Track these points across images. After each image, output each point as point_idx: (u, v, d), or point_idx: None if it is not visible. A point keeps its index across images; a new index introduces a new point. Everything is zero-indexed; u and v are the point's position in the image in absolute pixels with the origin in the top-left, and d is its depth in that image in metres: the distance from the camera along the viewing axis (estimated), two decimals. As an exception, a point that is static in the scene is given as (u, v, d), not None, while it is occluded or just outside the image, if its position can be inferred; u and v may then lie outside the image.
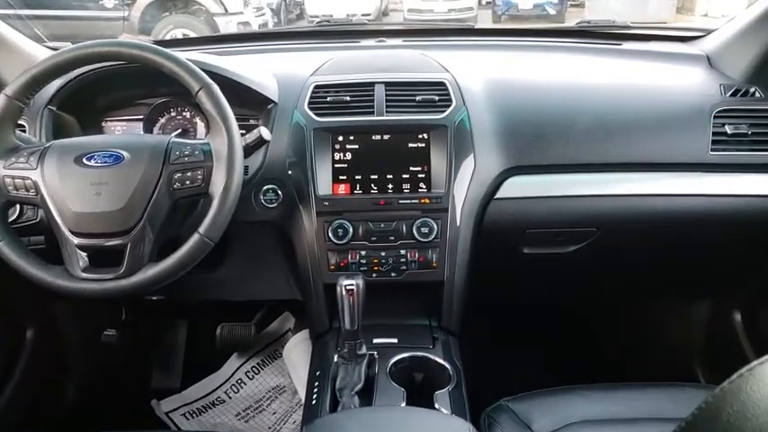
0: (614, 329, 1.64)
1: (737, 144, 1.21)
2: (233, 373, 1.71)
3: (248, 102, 1.16)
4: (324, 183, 1.14)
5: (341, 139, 1.15)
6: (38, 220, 1.09)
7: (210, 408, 1.65)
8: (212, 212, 0.94)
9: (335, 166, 1.15)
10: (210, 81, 0.97)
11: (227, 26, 6.59)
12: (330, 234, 1.13)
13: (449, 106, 1.17)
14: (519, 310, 1.58)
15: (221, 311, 1.68)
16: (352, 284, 0.96)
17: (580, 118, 1.22)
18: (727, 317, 1.50)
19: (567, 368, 1.24)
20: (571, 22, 2.00)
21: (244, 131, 1.04)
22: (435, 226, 1.13)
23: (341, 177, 1.15)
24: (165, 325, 1.82)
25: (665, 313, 1.66)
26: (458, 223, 1.14)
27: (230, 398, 1.68)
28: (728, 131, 1.21)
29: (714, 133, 1.21)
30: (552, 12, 10.20)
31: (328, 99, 1.18)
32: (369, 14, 9.77)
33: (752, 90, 1.27)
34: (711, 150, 1.20)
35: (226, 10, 6.81)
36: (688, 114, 1.23)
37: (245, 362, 1.73)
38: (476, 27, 1.73)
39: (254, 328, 1.66)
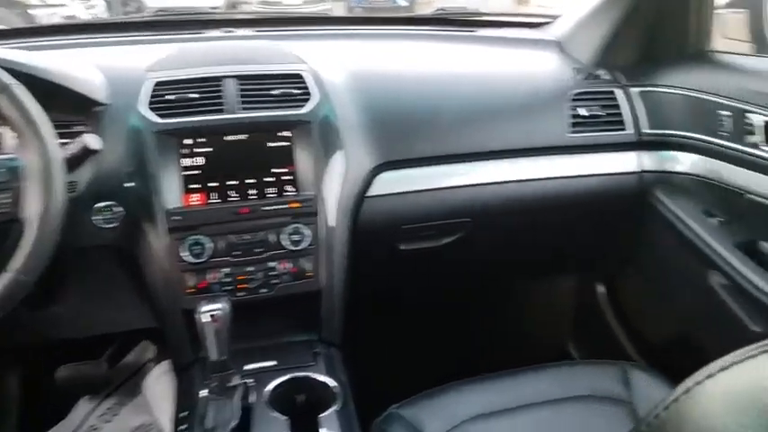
0: (492, 318, 1.67)
1: (593, 125, 1.25)
2: (83, 420, 1.48)
3: (70, 105, 0.97)
4: (172, 194, 0.99)
5: (189, 142, 1.01)
6: None
7: (59, 465, 1.41)
8: (27, 243, 0.76)
9: (185, 173, 1.00)
10: (12, 81, 0.79)
11: (49, 20, 5.80)
12: (185, 253, 0.98)
13: (310, 100, 1.07)
14: (401, 310, 1.54)
15: (63, 350, 1.44)
16: (215, 310, 0.84)
17: (445, 108, 1.20)
18: (591, 290, 1.57)
19: (451, 364, 1.21)
20: (422, 13, 1.99)
21: (68, 141, 0.87)
22: (308, 231, 1.03)
23: (193, 186, 1.00)
24: None
25: (536, 295, 1.71)
26: (332, 226, 1.05)
27: (84, 448, 1.45)
28: (584, 114, 1.25)
29: (571, 116, 1.24)
30: (404, 3, 10.44)
31: (171, 97, 1.03)
32: (217, 7, 9.29)
33: (600, 73, 1.32)
34: (570, 133, 1.24)
35: (44, 1, 6.01)
36: (546, 99, 1.26)
37: (98, 404, 1.50)
38: (330, 15, 1.63)
39: (106, 365, 1.44)
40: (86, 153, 0.87)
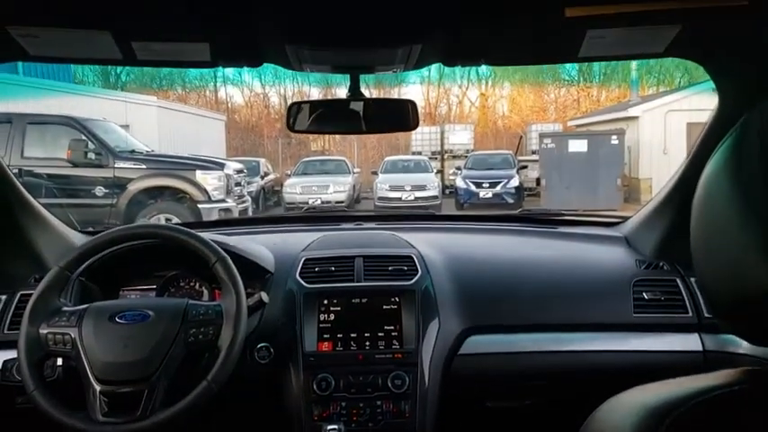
0: None
1: (655, 308, 1.45)
2: None
3: (251, 272, 1.38)
4: (310, 341, 1.33)
5: (326, 302, 1.37)
6: (55, 377, 1.23)
7: None
8: (220, 361, 1.11)
9: (321, 325, 1.35)
10: (225, 254, 1.21)
11: (210, 213, 7.05)
12: (315, 386, 1.28)
13: (415, 275, 1.41)
14: None
15: None
16: (335, 428, 1.10)
17: (525, 287, 1.48)
18: None
19: None
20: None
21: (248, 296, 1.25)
22: (407, 378, 1.30)
23: (325, 336, 1.34)
24: None
25: None
26: (426, 376, 1.31)
27: None
28: (646, 297, 1.46)
29: (635, 299, 1.45)
30: (511, 201, 11.08)
31: (316, 270, 1.42)
32: (342, 202, 10.55)
33: (660, 264, 1.55)
34: (635, 313, 1.44)
35: (209, 198, 7.37)
36: (613, 284, 1.49)
37: None
38: (436, 213, 2.06)
39: None
40: (260, 305, 1.25)
